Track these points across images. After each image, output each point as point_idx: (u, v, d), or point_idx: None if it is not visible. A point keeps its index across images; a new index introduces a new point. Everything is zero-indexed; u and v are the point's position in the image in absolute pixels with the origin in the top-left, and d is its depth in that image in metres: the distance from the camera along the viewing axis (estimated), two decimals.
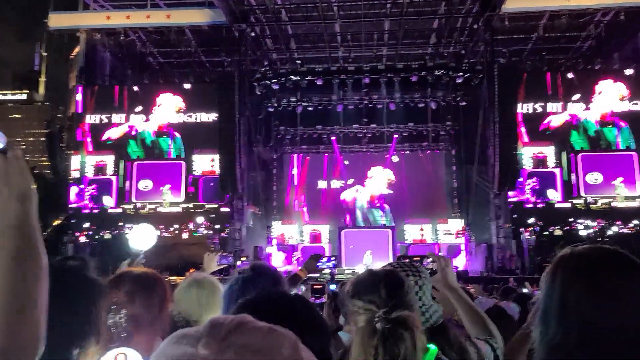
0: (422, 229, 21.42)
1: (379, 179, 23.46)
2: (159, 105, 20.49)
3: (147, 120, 20.51)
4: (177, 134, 20.41)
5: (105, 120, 20.68)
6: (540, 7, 19.21)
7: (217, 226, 19.43)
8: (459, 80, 21.78)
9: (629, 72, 19.20)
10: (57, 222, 19.57)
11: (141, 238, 3.88)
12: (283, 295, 1.33)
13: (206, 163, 20.26)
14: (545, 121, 19.58)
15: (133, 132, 20.50)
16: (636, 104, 19.19)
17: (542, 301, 1.28)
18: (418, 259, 2.21)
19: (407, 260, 2.21)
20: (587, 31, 20.81)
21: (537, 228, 18.04)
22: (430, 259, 2.30)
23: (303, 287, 4.56)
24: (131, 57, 22.23)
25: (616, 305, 1.16)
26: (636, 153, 18.78)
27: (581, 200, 18.49)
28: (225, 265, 4.55)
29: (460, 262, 19.84)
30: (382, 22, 19.92)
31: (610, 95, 19.01)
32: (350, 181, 23.67)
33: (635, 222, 17.46)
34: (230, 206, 19.84)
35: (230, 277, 2.29)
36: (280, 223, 22.88)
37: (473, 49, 21.54)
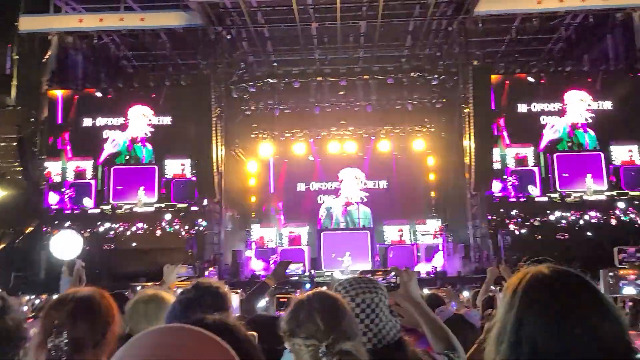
0: (400, 230, 21.54)
1: (351, 181, 23.57)
2: (130, 119, 20.35)
3: (123, 131, 20.44)
4: (148, 145, 20.33)
5: (87, 128, 20.50)
6: (512, 10, 19.52)
7: (187, 226, 19.50)
8: (434, 82, 22.00)
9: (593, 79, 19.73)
10: (29, 230, 19.11)
11: (65, 246, 3.50)
12: (214, 324, 1.23)
13: (177, 167, 20.29)
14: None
15: (113, 145, 20.51)
16: (598, 106, 19.76)
17: (498, 320, 1.29)
18: (381, 273, 2.21)
19: (367, 275, 2.19)
20: (558, 33, 21.23)
21: (520, 219, 18.82)
22: (393, 273, 2.27)
23: (267, 298, 4.44)
24: (104, 60, 21.91)
25: (568, 331, 1.17)
26: (602, 153, 19.46)
27: (557, 195, 19.22)
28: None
29: (438, 262, 20.01)
30: (358, 25, 20.01)
31: (579, 107, 19.76)
32: (328, 185, 23.75)
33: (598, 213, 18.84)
34: (202, 207, 19.71)
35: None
36: (258, 226, 22.79)
37: (448, 51, 21.77)
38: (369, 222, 22.89)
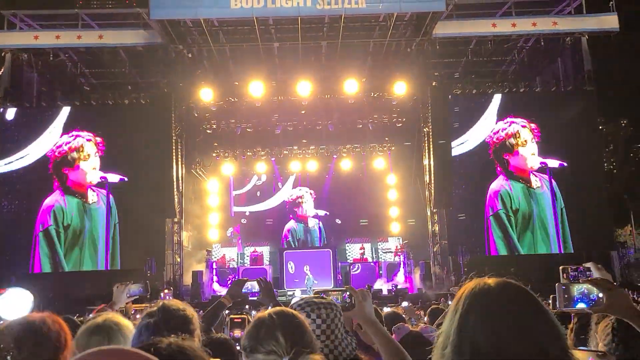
0: (362, 248, 21.65)
1: (307, 200, 23.66)
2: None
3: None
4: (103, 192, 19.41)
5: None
6: (468, 33, 20.17)
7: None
8: (394, 102, 22.40)
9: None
10: None
11: (13, 305, 3.32)
12: (168, 347, 1.20)
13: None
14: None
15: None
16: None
17: (444, 325, 1.38)
18: (335, 293, 2.22)
19: (322, 294, 2.20)
20: (512, 56, 22.03)
21: None
22: (348, 293, 2.29)
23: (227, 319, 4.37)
24: (61, 77, 21.42)
25: (506, 331, 1.26)
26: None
27: None
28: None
29: (399, 280, 20.18)
30: (319, 44, 20.26)
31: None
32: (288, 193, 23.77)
33: None
34: (167, 229, 19.33)
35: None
36: (220, 245, 22.51)
37: (407, 72, 22.23)
38: (324, 239, 22.99)
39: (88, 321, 2.52)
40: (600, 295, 2.02)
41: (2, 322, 2.94)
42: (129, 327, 2.47)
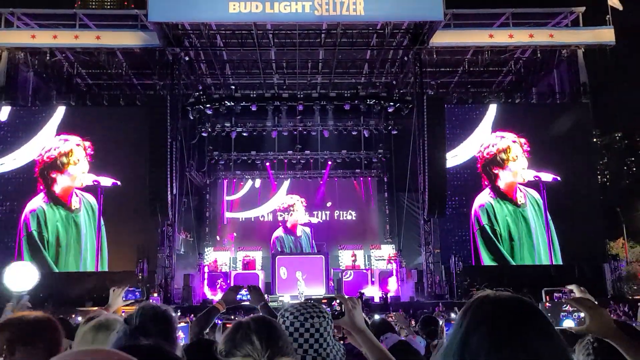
0: (354, 255, 21.59)
1: (299, 208, 23.66)
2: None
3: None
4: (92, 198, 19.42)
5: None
6: (465, 43, 20.27)
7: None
8: (390, 110, 22.49)
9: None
10: None
11: (19, 278, 3.36)
12: (147, 348, 1.19)
13: None
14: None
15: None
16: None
17: (447, 338, 1.33)
18: (325, 301, 2.22)
19: (311, 301, 2.20)
20: (508, 67, 22.16)
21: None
22: (338, 301, 2.29)
23: (219, 322, 4.37)
24: (57, 77, 21.38)
25: (510, 354, 1.21)
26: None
27: None
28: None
29: (391, 287, 20.14)
30: (317, 51, 20.31)
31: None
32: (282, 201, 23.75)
33: None
34: (160, 232, 19.26)
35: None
36: (212, 250, 22.43)
37: (403, 80, 22.36)
38: (312, 246, 23.00)
39: (90, 319, 2.54)
40: (582, 315, 2.03)
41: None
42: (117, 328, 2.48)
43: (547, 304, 2.19)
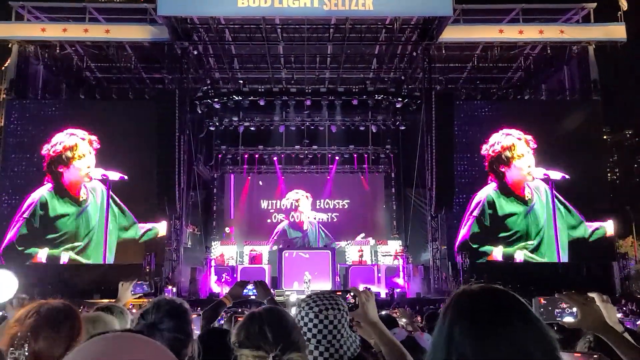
0: (361, 250, 21.60)
1: (304, 202, 23.68)
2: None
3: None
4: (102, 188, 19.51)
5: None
6: (475, 39, 20.13)
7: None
8: (398, 105, 22.43)
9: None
10: None
11: None
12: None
13: None
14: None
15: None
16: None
17: (433, 335, 1.34)
18: (339, 293, 2.24)
19: (328, 294, 2.22)
20: (518, 63, 21.99)
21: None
22: (352, 294, 2.32)
23: (224, 315, 4.41)
24: (67, 71, 21.48)
25: (493, 344, 1.21)
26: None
27: None
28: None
29: (398, 283, 20.12)
30: (325, 46, 20.26)
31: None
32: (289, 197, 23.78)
33: None
34: (168, 226, 19.36)
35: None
36: (219, 244, 22.53)
37: (412, 76, 22.26)
38: (329, 239, 23.00)
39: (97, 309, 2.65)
40: (574, 309, 2.07)
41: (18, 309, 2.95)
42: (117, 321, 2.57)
43: (543, 300, 2.22)
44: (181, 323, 2.16)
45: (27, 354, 1.75)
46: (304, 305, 2.08)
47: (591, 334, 2.23)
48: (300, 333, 1.85)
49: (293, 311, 2.14)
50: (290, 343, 1.69)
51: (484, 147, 19.87)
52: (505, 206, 19.60)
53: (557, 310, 2.13)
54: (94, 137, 19.48)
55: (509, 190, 19.70)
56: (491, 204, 19.57)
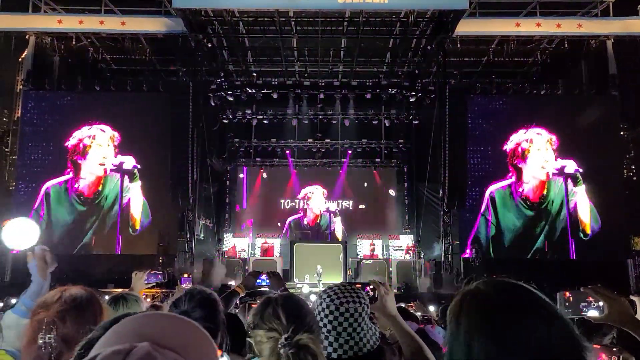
0: (372, 244, 21.58)
1: (317, 197, 23.67)
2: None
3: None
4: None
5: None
6: (491, 32, 19.92)
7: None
8: (412, 100, 22.30)
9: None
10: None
11: (18, 235, 3.27)
12: None
13: None
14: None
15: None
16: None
17: (448, 341, 1.26)
18: (359, 286, 2.24)
19: (349, 286, 2.22)
20: (534, 57, 21.73)
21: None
22: (371, 287, 2.32)
23: (238, 302, 4.48)
24: (82, 63, 21.64)
25: (518, 345, 1.14)
26: None
27: None
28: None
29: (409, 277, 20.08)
30: (339, 39, 20.18)
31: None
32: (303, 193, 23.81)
33: None
34: (181, 217, 19.51)
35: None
36: (231, 236, 22.63)
37: (426, 70, 22.09)
38: (340, 234, 23.00)
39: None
40: (601, 303, 2.04)
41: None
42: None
43: (568, 294, 2.20)
44: (212, 312, 2.23)
45: (55, 338, 1.82)
46: (325, 297, 2.10)
47: (616, 329, 2.21)
48: (314, 319, 1.89)
49: (312, 300, 2.18)
50: (303, 325, 1.72)
51: (504, 141, 19.73)
52: (508, 208, 19.51)
53: (582, 304, 2.12)
54: (116, 134, 19.71)
55: (522, 187, 19.53)
56: (494, 201, 19.50)
